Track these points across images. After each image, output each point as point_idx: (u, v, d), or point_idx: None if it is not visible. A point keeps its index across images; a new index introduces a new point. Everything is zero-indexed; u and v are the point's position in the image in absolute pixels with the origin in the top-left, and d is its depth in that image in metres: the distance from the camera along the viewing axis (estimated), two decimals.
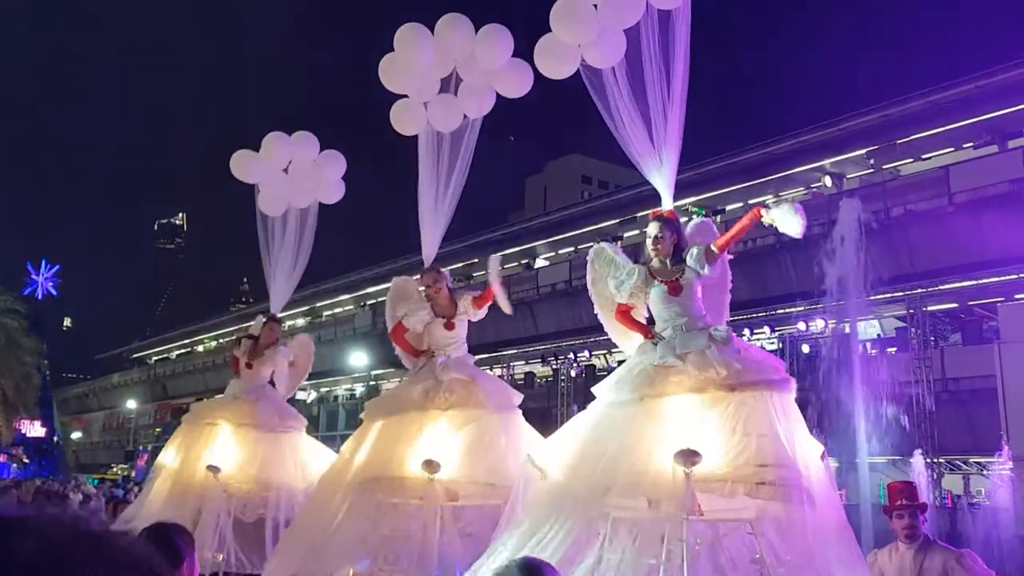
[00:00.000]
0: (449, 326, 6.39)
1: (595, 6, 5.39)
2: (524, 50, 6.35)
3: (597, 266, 5.30)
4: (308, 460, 7.58)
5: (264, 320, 8.27)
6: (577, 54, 5.45)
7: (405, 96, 6.74)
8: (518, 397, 6.30)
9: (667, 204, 5.31)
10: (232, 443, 7.37)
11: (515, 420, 6.09)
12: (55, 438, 60.21)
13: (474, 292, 6.70)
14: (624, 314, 5.07)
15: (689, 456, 3.93)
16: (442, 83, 6.66)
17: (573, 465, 4.48)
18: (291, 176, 8.05)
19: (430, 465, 5.35)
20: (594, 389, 4.92)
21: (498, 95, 6.69)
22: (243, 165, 8.09)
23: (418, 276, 6.75)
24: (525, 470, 4.74)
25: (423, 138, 6.68)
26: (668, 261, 5.04)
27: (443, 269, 6.77)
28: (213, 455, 7.30)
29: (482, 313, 6.58)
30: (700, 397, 4.44)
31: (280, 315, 8.57)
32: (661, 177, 5.31)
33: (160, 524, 3.00)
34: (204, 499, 7.07)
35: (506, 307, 6.44)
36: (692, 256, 4.99)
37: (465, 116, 6.68)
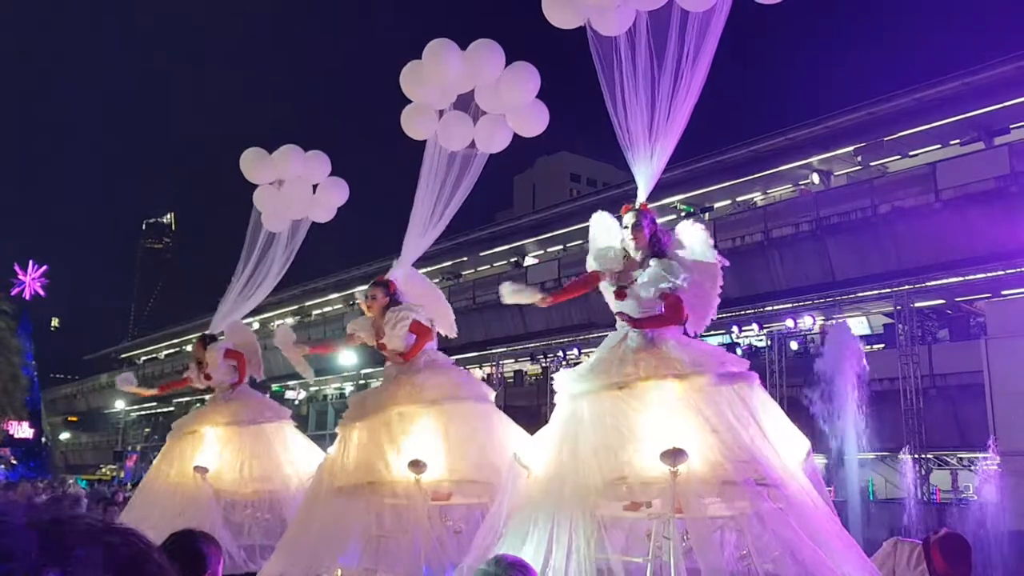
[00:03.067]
0: (380, 347, 6.32)
1: None
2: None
3: (595, 230, 5.28)
4: (297, 456, 7.57)
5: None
6: (585, 14, 5.33)
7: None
8: (477, 387, 6.33)
9: (642, 198, 5.23)
10: (217, 444, 7.37)
11: (491, 411, 6.13)
12: (43, 439, 59.85)
13: (413, 314, 6.39)
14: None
15: (675, 455, 3.93)
16: (459, 99, 6.65)
17: (551, 463, 4.49)
18: (288, 189, 8.01)
19: (416, 466, 5.35)
20: (556, 377, 4.94)
21: None
22: (253, 164, 8.04)
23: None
24: (512, 469, 4.74)
25: (430, 147, 6.66)
26: (642, 253, 5.03)
27: (386, 280, 6.63)
28: (199, 458, 7.29)
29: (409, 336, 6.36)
30: (660, 384, 4.48)
31: (266, 315, 8.58)
32: (647, 170, 5.22)
33: (186, 531, 3.00)
34: (182, 503, 7.04)
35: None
36: (653, 275, 4.92)
37: (473, 144, 6.66)
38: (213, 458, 7.24)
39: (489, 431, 5.93)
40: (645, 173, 5.24)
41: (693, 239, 5.08)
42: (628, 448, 4.25)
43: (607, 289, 5.06)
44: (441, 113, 6.71)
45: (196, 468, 7.01)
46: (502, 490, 4.74)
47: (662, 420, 4.31)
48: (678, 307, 4.84)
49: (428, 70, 6.54)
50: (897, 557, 4.87)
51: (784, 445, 4.52)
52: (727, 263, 5.18)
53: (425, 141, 6.75)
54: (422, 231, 6.57)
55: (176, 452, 7.52)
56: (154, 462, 7.79)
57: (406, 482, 5.43)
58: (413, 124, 6.75)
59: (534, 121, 6.60)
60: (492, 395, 6.33)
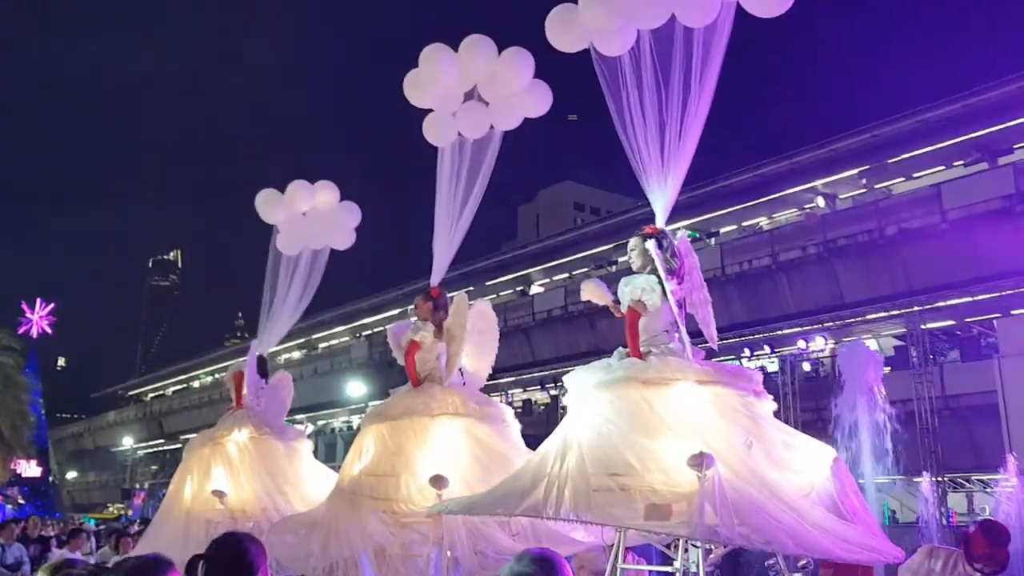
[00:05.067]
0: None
1: None
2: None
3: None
4: (306, 477, 7.52)
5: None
6: (588, 37, 5.41)
7: (430, 110, 6.87)
8: (508, 411, 6.35)
9: (660, 222, 5.18)
10: (236, 461, 7.31)
11: (507, 433, 6.14)
12: (50, 478, 59.70)
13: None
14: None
15: (703, 460, 3.89)
16: (465, 96, 6.79)
17: (557, 460, 4.48)
18: (308, 220, 8.32)
19: (438, 481, 5.31)
20: (566, 379, 4.94)
21: None
22: (266, 204, 8.40)
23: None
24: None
25: (444, 150, 6.77)
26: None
27: (436, 291, 6.70)
28: (216, 479, 7.23)
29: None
30: (683, 389, 4.47)
31: (274, 348, 8.61)
32: (662, 191, 5.16)
33: (231, 533, 2.94)
34: (200, 530, 6.97)
35: None
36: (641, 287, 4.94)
37: (492, 127, 6.80)
38: (231, 477, 7.17)
39: (512, 448, 5.95)
40: (660, 196, 5.22)
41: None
42: (635, 450, 4.22)
43: None
44: (455, 115, 6.83)
45: (214, 492, 6.96)
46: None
47: (677, 426, 4.29)
48: (628, 322, 4.90)
49: (425, 75, 6.70)
50: (931, 564, 4.82)
51: (798, 459, 4.48)
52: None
53: (429, 168, 6.90)
54: (449, 229, 6.64)
55: (194, 472, 7.46)
56: (172, 483, 7.72)
57: (422, 502, 5.40)
58: (434, 132, 6.90)
59: (539, 101, 6.72)
60: (508, 414, 6.31)
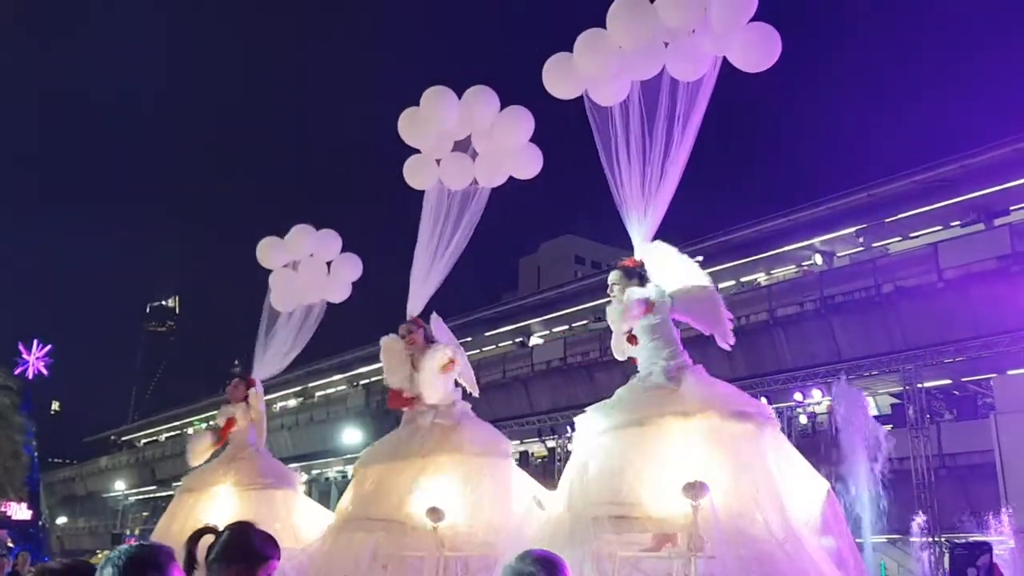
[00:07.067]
0: (409, 401, 6.37)
1: (620, 47, 5.50)
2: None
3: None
4: (302, 522, 7.48)
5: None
6: (583, 85, 5.60)
7: (417, 151, 6.93)
8: (506, 443, 6.31)
9: (638, 254, 5.39)
10: (225, 505, 7.29)
11: (502, 466, 6.10)
12: (41, 522, 58.91)
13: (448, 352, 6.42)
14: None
15: (697, 489, 3.93)
16: (456, 144, 6.87)
17: (560, 500, 4.51)
18: (304, 271, 8.12)
19: (435, 513, 5.33)
20: (578, 418, 4.98)
21: None
22: (267, 251, 8.18)
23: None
24: (530, 511, 4.75)
25: (430, 194, 6.84)
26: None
27: (416, 319, 6.71)
28: (205, 518, 7.21)
29: (444, 378, 6.34)
30: (687, 422, 4.51)
31: (270, 396, 8.57)
32: (640, 227, 5.39)
33: (242, 522, 2.91)
34: None
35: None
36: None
37: (475, 181, 6.85)
38: (221, 520, 7.15)
39: (497, 484, 5.94)
40: (637, 232, 5.42)
41: (672, 267, 5.22)
42: (636, 481, 4.26)
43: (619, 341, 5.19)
44: (439, 162, 6.90)
45: (207, 527, 6.93)
46: (515, 531, 4.74)
47: (678, 458, 4.33)
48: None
49: (425, 116, 6.74)
50: None
51: (797, 491, 4.52)
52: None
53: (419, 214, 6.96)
54: (425, 273, 6.66)
55: (184, 510, 7.43)
56: (163, 518, 7.69)
57: (423, 529, 5.39)
58: (414, 174, 6.96)
59: (529, 164, 6.80)
60: (507, 446, 6.34)
